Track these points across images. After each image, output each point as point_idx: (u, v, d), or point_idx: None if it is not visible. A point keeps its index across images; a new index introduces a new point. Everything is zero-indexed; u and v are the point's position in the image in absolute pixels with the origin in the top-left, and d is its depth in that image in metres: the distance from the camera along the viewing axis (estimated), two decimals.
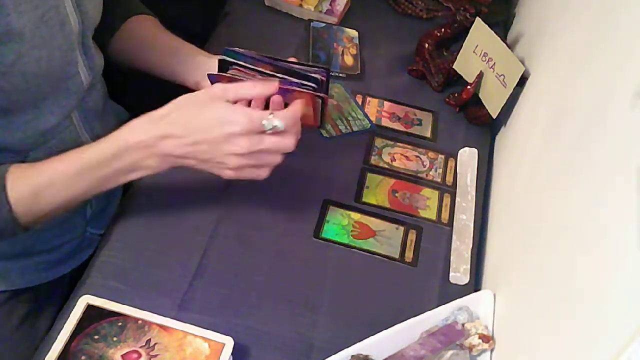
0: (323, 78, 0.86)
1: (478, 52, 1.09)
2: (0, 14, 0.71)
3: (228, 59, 0.85)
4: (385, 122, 1.11)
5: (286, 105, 0.82)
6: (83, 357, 0.73)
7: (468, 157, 1.07)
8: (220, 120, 0.77)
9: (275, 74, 0.85)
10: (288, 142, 0.79)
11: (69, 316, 0.76)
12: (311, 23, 1.25)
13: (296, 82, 0.84)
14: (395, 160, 1.05)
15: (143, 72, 0.99)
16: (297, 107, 0.81)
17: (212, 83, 0.85)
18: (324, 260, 0.92)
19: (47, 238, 0.95)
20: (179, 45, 0.97)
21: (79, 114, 0.90)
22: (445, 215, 0.99)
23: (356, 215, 0.97)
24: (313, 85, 0.84)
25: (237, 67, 0.85)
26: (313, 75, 0.85)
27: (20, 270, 0.95)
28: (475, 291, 0.88)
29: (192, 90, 0.83)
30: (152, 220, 0.92)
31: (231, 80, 0.83)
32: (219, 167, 0.79)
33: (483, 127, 1.13)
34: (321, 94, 0.85)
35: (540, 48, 1.02)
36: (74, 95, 0.87)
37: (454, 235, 0.96)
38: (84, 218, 0.99)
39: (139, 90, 1.05)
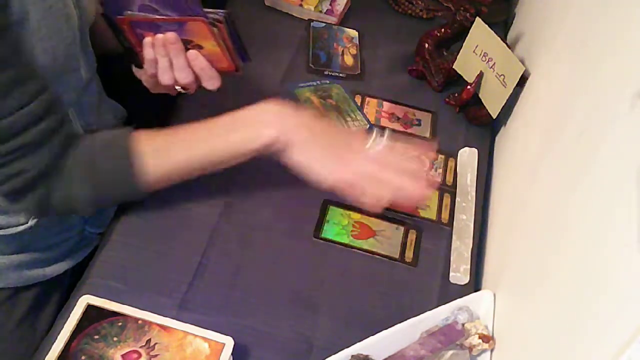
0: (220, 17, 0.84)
1: (478, 52, 1.09)
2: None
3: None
4: (385, 123, 1.11)
5: (186, 44, 0.84)
6: (83, 357, 0.73)
7: (468, 157, 1.07)
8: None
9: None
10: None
11: (69, 316, 0.76)
12: (311, 23, 1.25)
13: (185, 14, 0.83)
14: None
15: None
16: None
17: (113, 21, 0.86)
18: (324, 260, 0.92)
19: (45, 236, 0.95)
20: None
21: (74, 108, 0.90)
22: (445, 215, 0.99)
23: (356, 215, 0.97)
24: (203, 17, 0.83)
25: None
26: (210, 15, 0.84)
27: (18, 268, 0.95)
28: (475, 291, 0.88)
29: None
30: (152, 219, 0.92)
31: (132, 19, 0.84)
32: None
33: (483, 127, 1.13)
34: (214, 20, 0.82)
35: (540, 48, 1.02)
36: (73, 91, 0.87)
37: (454, 235, 0.96)
38: (82, 216, 0.99)
39: (137, 89, 1.05)
